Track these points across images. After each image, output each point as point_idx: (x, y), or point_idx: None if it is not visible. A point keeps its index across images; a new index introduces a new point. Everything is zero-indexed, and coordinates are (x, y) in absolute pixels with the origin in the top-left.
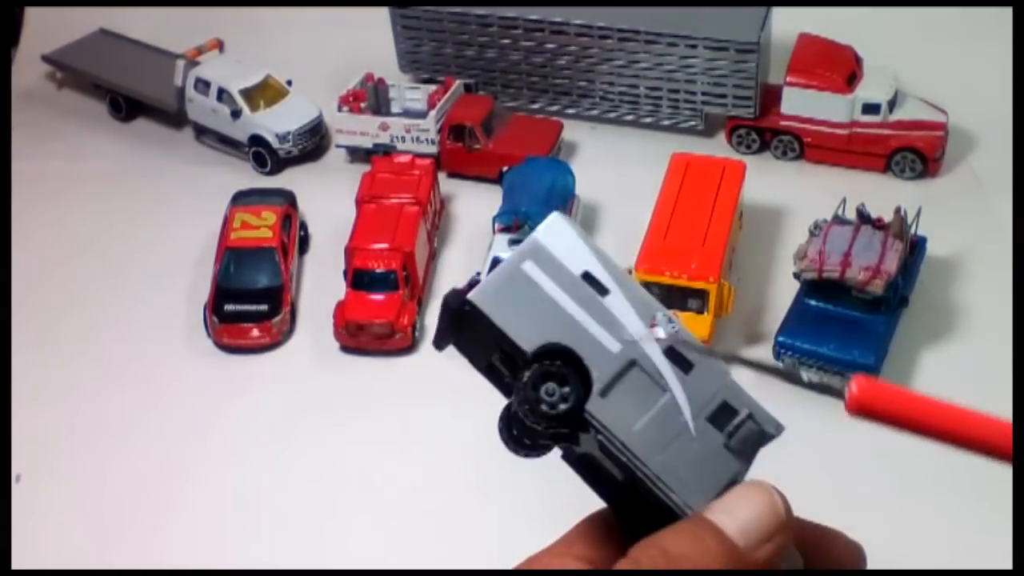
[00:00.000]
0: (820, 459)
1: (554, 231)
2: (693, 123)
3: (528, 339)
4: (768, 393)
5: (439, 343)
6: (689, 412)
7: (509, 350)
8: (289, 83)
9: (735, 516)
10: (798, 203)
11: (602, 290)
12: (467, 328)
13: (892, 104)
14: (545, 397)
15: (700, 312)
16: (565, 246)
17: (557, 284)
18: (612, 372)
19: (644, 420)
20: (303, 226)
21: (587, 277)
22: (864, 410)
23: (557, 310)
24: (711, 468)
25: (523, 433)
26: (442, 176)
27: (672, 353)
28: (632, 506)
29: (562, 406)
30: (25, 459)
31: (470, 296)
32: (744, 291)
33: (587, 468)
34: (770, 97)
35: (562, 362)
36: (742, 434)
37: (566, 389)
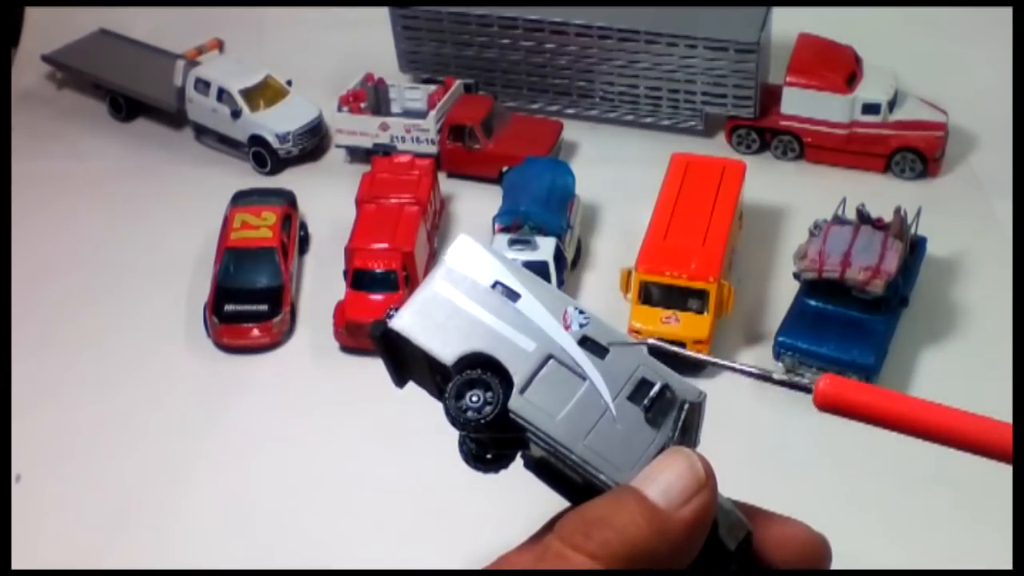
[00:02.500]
0: (820, 459)
1: (462, 250)
2: (693, 123)
3: (448, 353)
4: (768, 393)
5: (396, 382)
6: (608, 394)
7: (437, 368)
8: (289, 83)
9: (655, 480)
10: (798, 203)
11: (513, 296)
12: (400, 356)
13: (892, 104)
14: (471, 404)
15: (700, 312)
16: (474, 262)
17: (470, 297)
18: (530, 369)
19: (566, 409)
20: (303, 226)
21: (497, 285)
22: (830, 405)
23: (472, 321)
24: (635, 444)
25: (473, 447)
26: (442, 176)
27: (586, 342)
28: (579, 490)
29: (487, 409)
30: (25, 459)
31: (390, 323)
32: (744, 291)
33: (545, 472)
34: (770, 97)
35: (482, 368)
36: (661, 405)
37: (490, 394)
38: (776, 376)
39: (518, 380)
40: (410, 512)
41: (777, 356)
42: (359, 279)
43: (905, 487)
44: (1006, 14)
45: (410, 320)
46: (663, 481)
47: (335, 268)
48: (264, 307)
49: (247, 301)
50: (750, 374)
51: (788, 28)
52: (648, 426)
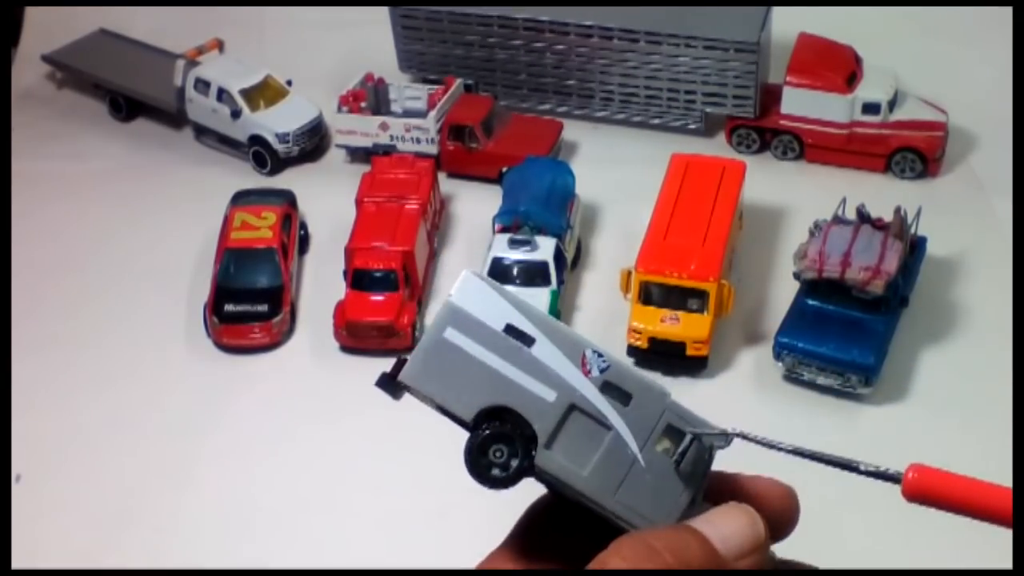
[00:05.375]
0: None
1: (469, 291)
2: (693, 123)
3: (465, 407)
4: (769, 393)
5: (393, 396)
6: (635, 444)
7: (451, 417)
8: (289, 83)
9: (717, 527)
10: (798, 203)
11: (527, 340)
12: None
13: (892, 104)
14: (495, 459)
15: (700, 312)
16: (482, 303)
17: (482, 344)
18: (553, 422)
19: (593, 462)
20: (303, 226)
21: (510, 330)
22: (919, 496)
23: (487, 371)
24: (667, 495)
25: (484, 465)
26: (442, 176)
27: (608, 388)
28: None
29: (513, 464)
30: (25, 459)
31: (400, 378)
32: (744, 291)
33: (553, 486)
34: (770, 97)
35: (501, 422)
36: (691, 455)
37: (513, 447)
38: (863, 468)
39: (542, 434)
40: (410, 512)
41: (777, 356)
42: (359, 279)
43: None
44: (1006, 14)
45: (421, 372)
46: (724, 529)
47: (335, 268)
48: (264, 307)
49: (247, 301)
50: (837, 464)
51: (788, 28)
52: (678, 477)
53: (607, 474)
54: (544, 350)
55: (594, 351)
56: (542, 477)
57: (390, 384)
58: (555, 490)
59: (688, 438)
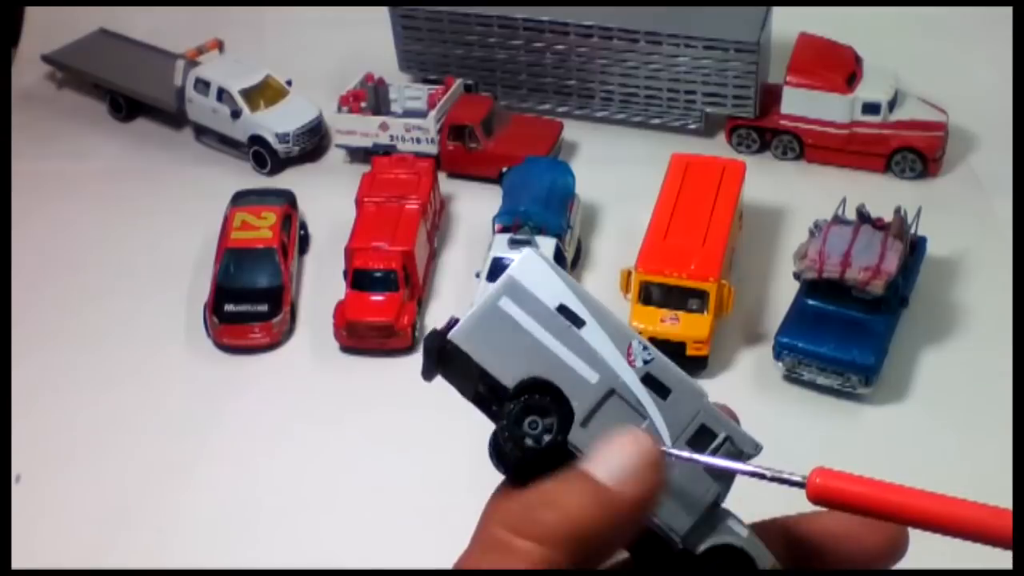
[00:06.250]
0: (820, 459)
1: (528, 267)
2: (693, 123)
3: (508, 375)
4: (769, 393)
5: (426, 375)
6: (668, 437)
7: (492, 384)
8: (289, 83)
9: (604, 460)
10: (798, 203)
11: (578, 322)
12: (450, 364)
13: (892, 104)
14: (528, 431)
15: (700, 312)
16: (540, 281)
17: (534, 318)
18: (592, 402)
19: None
20: (303, 226)
21: (563, 310)
22: (823, 499)
23: (535, 344)
24: (693, 491)
25: (512, 464)
26: (442, 176)
27: (649, 380)
28: None
29: (546, 437)
30: (25, 459)
31: (450, 335)
32: (744, 291)
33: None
34: (770, 97)
35: (542, 395)
36: (721, 456)
37: (548, 420)
38: (769, 475)
39: (579, 412)
40: (410, 512)
41: (777, 356)
42: (359, 279)
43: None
44: (1006, 14)
45: (471, 334)
46: (611, 461)
47: (335, 268)
48: (264, 307)
49: (247, 301)
50: (743, 472)
51: (788, 28)
52: (706, 475)
53: None
54: (593, 334)
55: (640, 343)
56: (573, 456)
57: (438, 343)
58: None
59: (720, 437)
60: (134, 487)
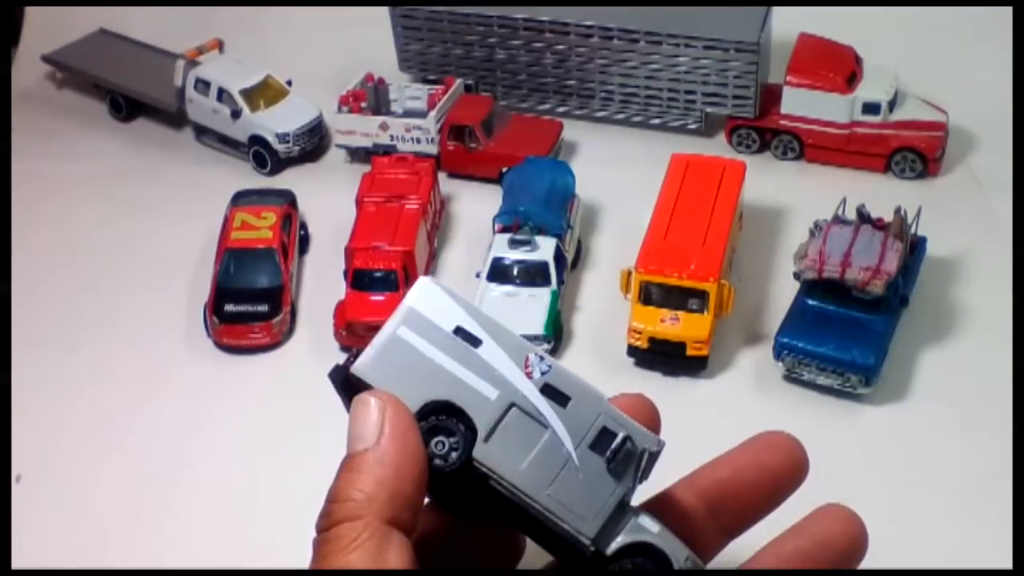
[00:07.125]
0: (820, 459)
1: (424, 295)
2: (693, 123)
3: (412, 400)
4: (769, 393)
5: (346, 407)
6: (571, 443)
7: None
8: (289, 83)
9: (351, 438)
10: (798, 203)
11: (475, 341)
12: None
13: (892, 104)
14: (436, 451)
15: (700, 312)
16: (436, 307)
17: (432, 343)
18: (493, 417)
19: (529, 458)
20: (303, 226)
21: (459, 332)
22: None
23: (435, 368)
24: (597, 493)
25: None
26: (442, 176)
27: (548, 390)
28: (542, 534)
29: (453, 456)
30: (25, 459)
31: (352, 368)
32: (744, 291)
33: (488, 485)
34: (770, 97)
35: (448, 416)
36: (622, 455)
37: (454, 440)
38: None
39: (482, 428)
40: None
41: (777, 356)
42: (359, 279)
43: (903, 487)
44: (1006, 14)
45: (372, 365)
46: (354, 432)
47: (335, 268)
48: (264, 307)
49: (247, 301)
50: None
51: (788, 28)
52: (610, 475)
53: (541, 470)
54: (490, 352)
55: (537, 355)
56: (478, 472)
57: (342, 376)
58: (488, 493)
59: (620, 437)
60: (134, 487)
